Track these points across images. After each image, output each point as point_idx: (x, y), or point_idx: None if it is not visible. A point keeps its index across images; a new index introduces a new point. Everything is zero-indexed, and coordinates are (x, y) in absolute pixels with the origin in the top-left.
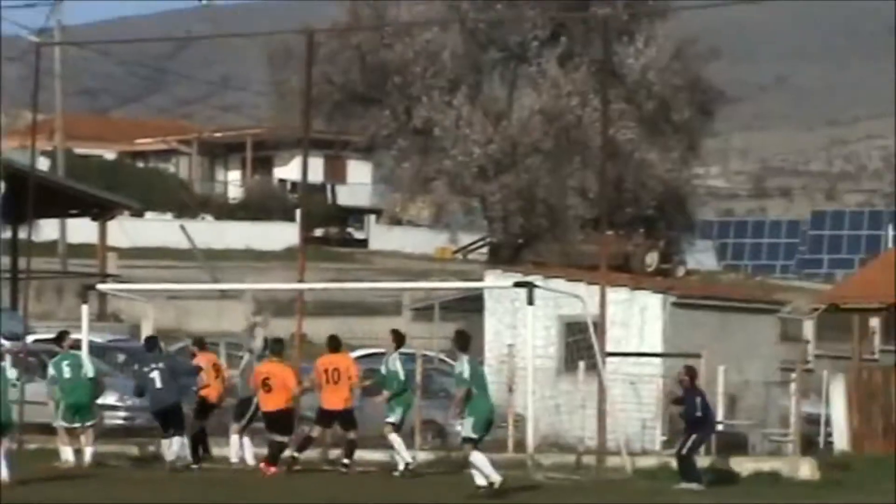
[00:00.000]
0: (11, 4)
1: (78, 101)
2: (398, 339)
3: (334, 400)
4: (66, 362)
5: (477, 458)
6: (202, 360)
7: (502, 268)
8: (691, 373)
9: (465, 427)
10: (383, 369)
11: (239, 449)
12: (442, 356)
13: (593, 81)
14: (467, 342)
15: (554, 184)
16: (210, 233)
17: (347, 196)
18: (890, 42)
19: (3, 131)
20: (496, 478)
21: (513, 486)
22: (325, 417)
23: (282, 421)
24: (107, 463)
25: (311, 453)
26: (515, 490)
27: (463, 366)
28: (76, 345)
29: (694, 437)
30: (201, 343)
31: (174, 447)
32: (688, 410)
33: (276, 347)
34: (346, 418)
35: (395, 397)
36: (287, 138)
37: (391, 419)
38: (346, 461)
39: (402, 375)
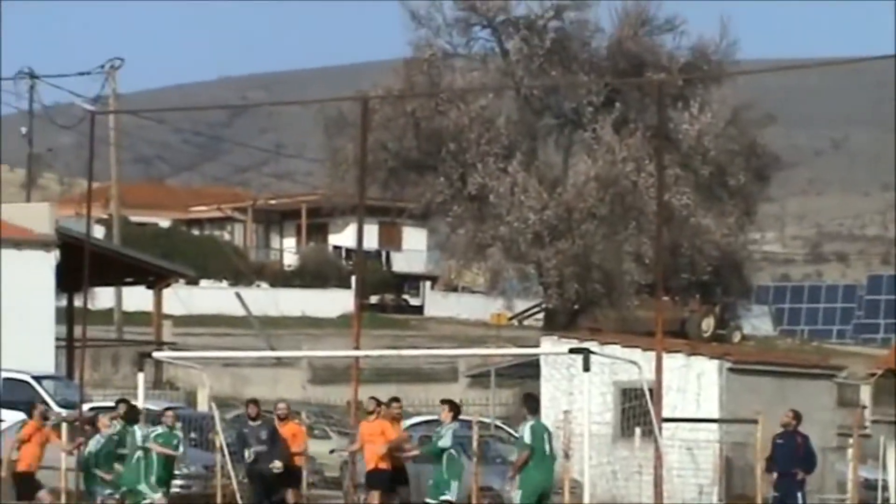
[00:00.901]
0: (66, 73)
1: (133, 168)
2: (454, 409)
3: None
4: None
5: None
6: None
7: (558, 334)
8: (799, 416)
9: (514, 496)
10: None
11: None
12: (498, 423)
13: (648, 147)
14: (536, 405)
15: (609, 249)
16: (265, 300)
17: (402, 263)
18: None
19: (57, 199)
20: None
21: None
22: None
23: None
24: None
25: None
26: None
27: (524, 430)
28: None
29: (801, 492)
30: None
31: None
32: (807, 455)
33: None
34: None
35: (449, 470)
36: (342, 205)
37: (448, 496)
38: None
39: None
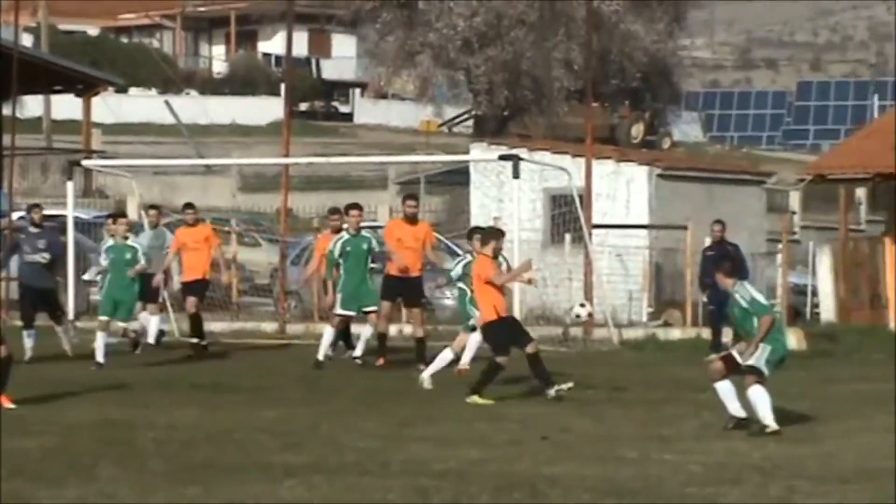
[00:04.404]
0: None
1: None
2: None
3: None
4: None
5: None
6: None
7: (488, 141)
8: (724, 225)
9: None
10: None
11: None
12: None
13: None
14: (736, 269)
15: (539, 56)
16: (194, 108)
17: (332, 70)
18: None
19: None
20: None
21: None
22: None
23: None
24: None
25: None
26: None
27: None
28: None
29: None
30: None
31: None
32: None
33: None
34: None
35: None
36: (271, 12)
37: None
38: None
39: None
